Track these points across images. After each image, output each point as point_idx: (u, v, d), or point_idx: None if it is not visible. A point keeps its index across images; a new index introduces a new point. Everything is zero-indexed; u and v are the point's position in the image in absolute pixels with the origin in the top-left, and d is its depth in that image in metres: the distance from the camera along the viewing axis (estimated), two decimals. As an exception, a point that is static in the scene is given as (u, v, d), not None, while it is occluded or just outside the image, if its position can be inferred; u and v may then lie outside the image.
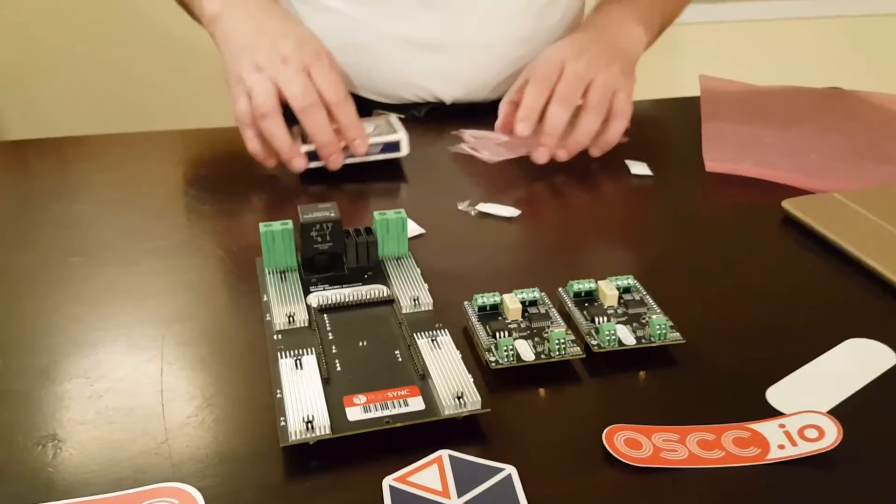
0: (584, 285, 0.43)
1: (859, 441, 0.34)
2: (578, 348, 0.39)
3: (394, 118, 0.64)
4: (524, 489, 0.32)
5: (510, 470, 0.33)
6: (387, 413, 0.34)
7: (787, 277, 0.49)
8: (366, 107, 0.75)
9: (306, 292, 0.43)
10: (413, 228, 0.52)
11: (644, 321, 0.41)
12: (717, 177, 0.62)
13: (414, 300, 0.42)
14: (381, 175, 0.61)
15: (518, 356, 0.38)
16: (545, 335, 0.40)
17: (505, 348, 0.38)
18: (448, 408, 0.34)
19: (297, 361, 0.37)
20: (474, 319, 0.41)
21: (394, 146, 0.61)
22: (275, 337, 0.39)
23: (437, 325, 0.40)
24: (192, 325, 0.42)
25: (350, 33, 0.72)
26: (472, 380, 0.36)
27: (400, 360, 0.38)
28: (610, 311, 0.42)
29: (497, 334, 0.40)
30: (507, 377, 0.38)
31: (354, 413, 0.34)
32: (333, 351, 0.38)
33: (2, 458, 0.33)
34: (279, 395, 0.35)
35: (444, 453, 0.33)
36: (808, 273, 0.49)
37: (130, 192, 0.58)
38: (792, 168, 0.61)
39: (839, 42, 1.86)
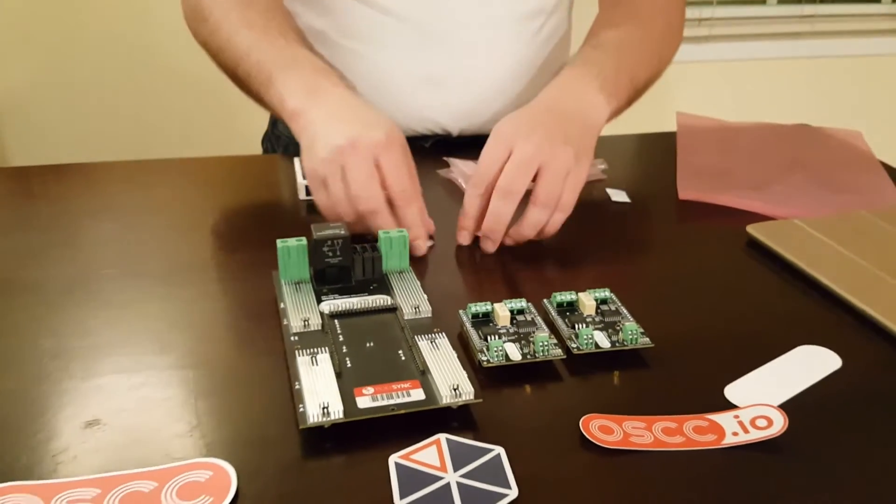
0: (566, 296, 0.49)
1: (803, 430, 0.40)
2: (560, 350, 0.44)
3: None
4: (511, 466, 0.37)
5: (499, 450, 0.38)
6: (392, 402, 0.39)
7: (748, 293, 0.54)
8: None
9: (318, 301, 0.48)
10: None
11: (618, 328, 0.46)
12: (689, 204, 0.68)
13: (415, 308, 0.47)
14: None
15: (507, 356, 0.43)
16: (531, 339, 0.45)
17: (495, 349, 0.43)
18: (445, 397, 0.39)
19: (313, 358, 0.42)
20: (468, 325, 0.46)
21: None
22: (292, 338, 0.44)
23: (435, 330, 0.45)
24: (217, 329, 0.48)
25: (357, 69, 0.76)
26: (466, 375, 0.41)
27: (403, 358, 0.43)
28: (588, 319, 0.47)
29: (488, 337, 0.45)
30: (497, 374, 0.43)
31: (364, 402, 0.39)
32: (344, 350, 0.43)
33: (57, 437, 0.38)
34: (297, 387, 0.40)
35: (442, 436, 0.38)
36: (767, 289, 0.55)
37: (160, 213, 0.64)
38: (757, 198, 0.67)
39: (815, 82, 1.95)
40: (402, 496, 0.35)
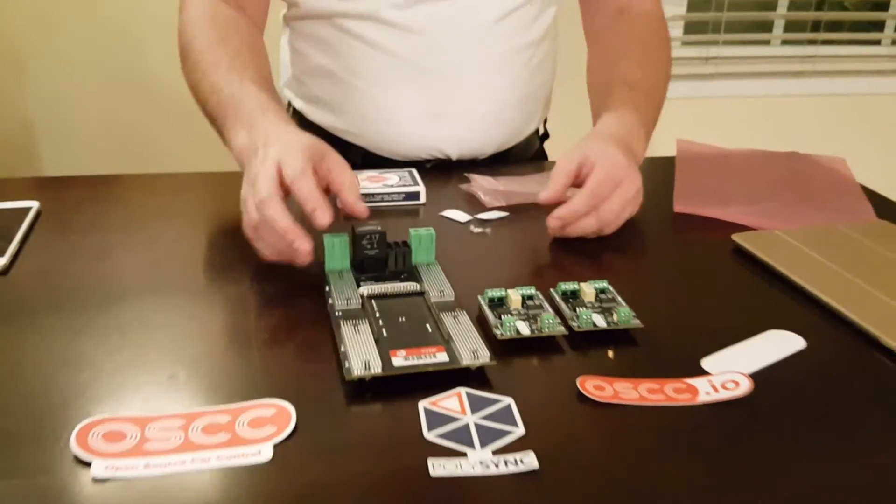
0: (570, 286, 0.57)
1: (767, 394, 0.47)
2: (563, 327, 0.52)
3: (415, 172, 0.79)
4: (520, 414, 0.44)
5: (509, 400, 0.45)
6: (421, 362, 0.47)
7: (730, 290, 0.62)
8: (383, 163, 0.87)
9: (357, 286, 0.56)
10: None
11: (613, 311, 0.54)
12: (683, 216, 0.76)
13: (440, 292, 0.55)
14: (408, 211, 0.75)
15: (517, 330, 0.51)
16: (538, 318, 0.53)
17: (508, 325, 0.51)
18: (466, 359, 0.47)
19: (355, 327, 0.50)
20: (486, 307, 0.54)
21: (415, 195, 0.76)
22: (337, 313, 0.53)
23: (457, 308, 0.53)
24: (272, 308, 0.56)
25: (363, 104, 0.84)
26: (483, 343, 0.49)
27: (430, 330, 0.51)
28: (588, 305, 0.55)
29: (502, 316, 0.53)
30: (509, 346, 0.51)
31: (398, 361, 0.47)
32: (380, 323, 0.51)
33: (147, 385, 0.46)
34: (343, 349, 0.48)
35: (462, 390, 0.46)
36: (748, 289, 0.62)
37: (214, 219, 0.73)
38: (746, 212, 0.75)
39: (816, 119, 2.04)
40: (429, 429, 0.42)
